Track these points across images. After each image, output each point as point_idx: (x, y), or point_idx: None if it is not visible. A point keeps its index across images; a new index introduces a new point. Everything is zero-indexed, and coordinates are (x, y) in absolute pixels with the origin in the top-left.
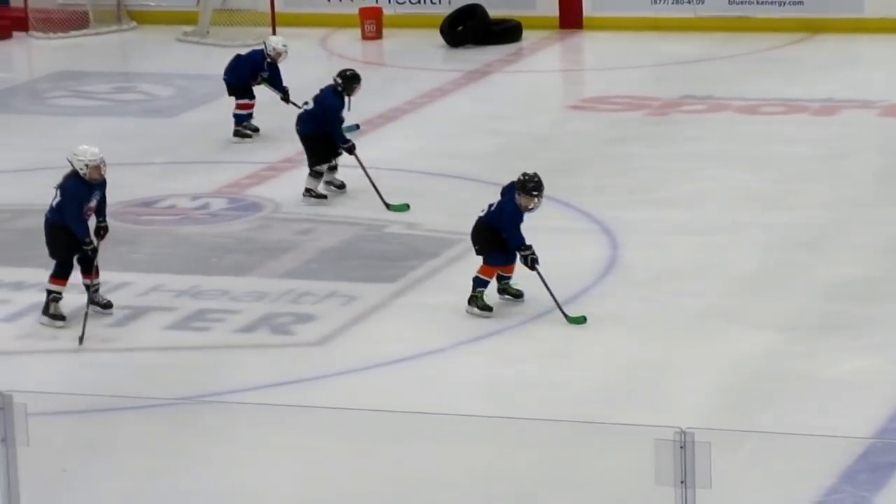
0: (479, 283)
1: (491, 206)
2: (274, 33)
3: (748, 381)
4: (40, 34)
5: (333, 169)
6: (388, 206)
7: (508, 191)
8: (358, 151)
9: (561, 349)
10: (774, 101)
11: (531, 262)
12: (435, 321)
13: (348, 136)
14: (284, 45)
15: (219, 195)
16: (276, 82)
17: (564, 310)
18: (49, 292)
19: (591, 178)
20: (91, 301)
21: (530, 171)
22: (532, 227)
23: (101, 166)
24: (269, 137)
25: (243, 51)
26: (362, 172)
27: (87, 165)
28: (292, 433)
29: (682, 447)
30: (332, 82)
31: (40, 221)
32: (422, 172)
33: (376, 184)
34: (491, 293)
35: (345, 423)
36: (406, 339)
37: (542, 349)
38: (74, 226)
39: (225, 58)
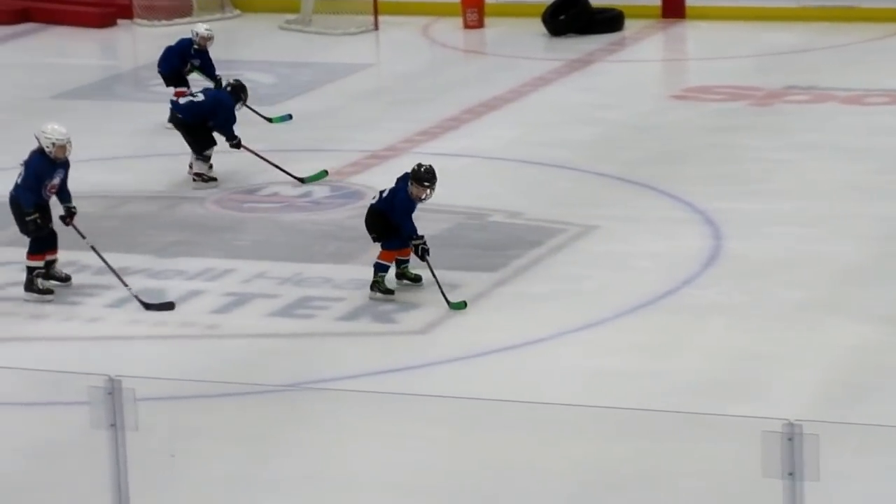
0: (379, 269)
1: (382, 192)
2: (376, 22)
3: (852, 373)
4: (144, 22)
5: (208, 158)
6: (302, 180)
7: (402, 179)
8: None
9: (662, 339)
10: (879, 91)
11: (422, 252)
12: (536, 310)
13: (281, 124)
14: (209, 30)
15: (321, 183)
16: (208, 70)
17: (448, 296)
18: (29, 269)
19: (694, 168)
20: (48, 275)
21: (426, 163)
22: (635, 218)
23: (67, 146)
24: (367, 125)
25: (345, 40)
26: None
27: (53, 144)
28: (393, 421)
29: (790, 439)
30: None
31: (146, 208)
32: (523, 161)
33: (281, 166)
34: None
35: (445, 412)
36: (507, 328)
37: (643, 340)
38: (22, 195)
39: (327, 46)
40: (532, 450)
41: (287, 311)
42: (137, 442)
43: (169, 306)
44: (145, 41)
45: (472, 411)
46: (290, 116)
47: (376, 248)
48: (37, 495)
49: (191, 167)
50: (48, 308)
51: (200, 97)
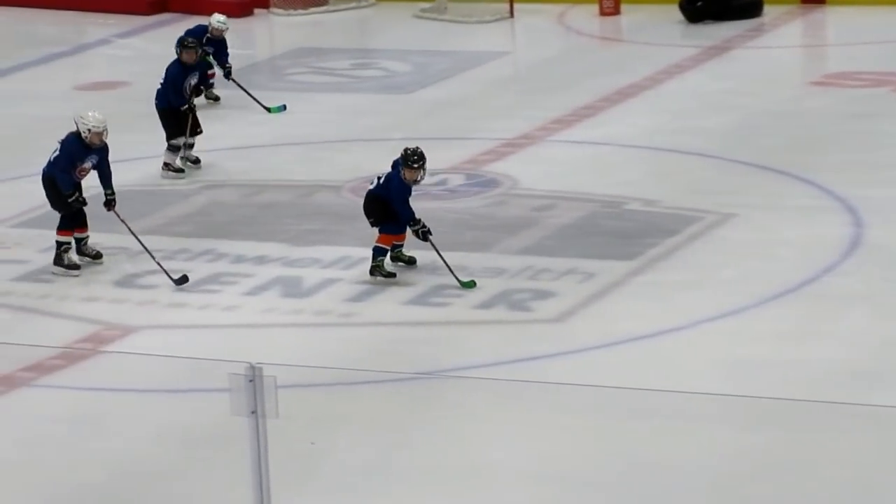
0: (378, 253)
1: (379, 178)
2: (511, 10)
3: None
4: (281, 11)
5: (191, 146)
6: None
7: (396, 165)
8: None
9: (803, 328)
10: None
11: (423, 235)
12: (674, 299)
13: (275, 115)
14: (222, 23)
15: (457, 171)
16: (220, 58)
17: (457, 275)
18: (59, 244)
19: (834, 155)
20: (80, 252)
21: (412, 146)
22: (773, 206)
23: (103, 133)
24: (503, 113)
25: (480, 28)
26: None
27: (89, 130)
28: (529, 410)
29: None
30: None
31: (282, 196)
32: (660, 149)
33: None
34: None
35: (582, 401)
36: (644, 316)
37: (783, 328)
38: (59, 176)
39: (463, 34)
40: (669, 439)
41: (422, 300)
42: (278, 429)
43: (184, 279)
44: (281, 30)
45: (609, 400)
46: (284, 107)
47: (507, 238)
48: (178, 482)
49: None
50: (186, 296)
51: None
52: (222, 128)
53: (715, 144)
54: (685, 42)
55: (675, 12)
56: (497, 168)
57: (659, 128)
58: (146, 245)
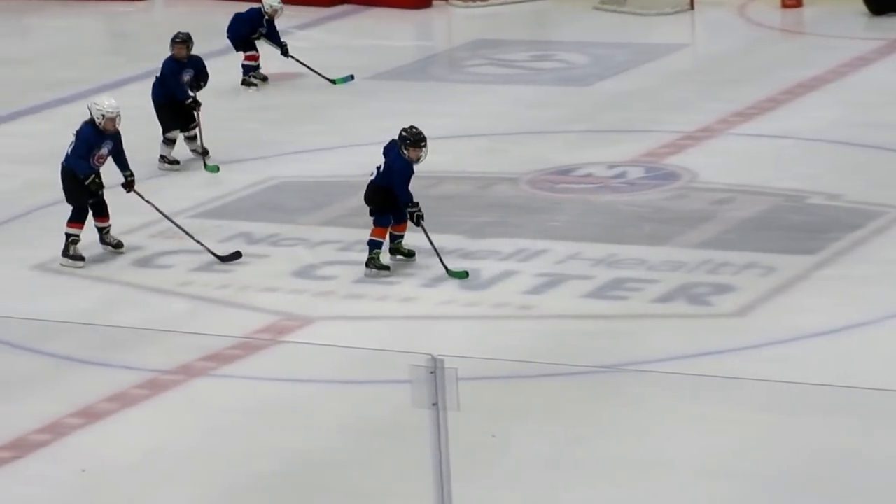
0: (373, 246)
1: (379, 167)
2: (692, 2)
3: None
4: (460, 3)
5: (192, 139)
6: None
7: (391, 149)
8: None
9: None
10: None
11: (417, 219)
12: (858, 294)
13: (342, 85)
14: (280, 4)
15: (636, 164)
16: (274, 38)
17: (446, 264)
18: (68, 236)
19: None
20: (103, 241)
21: (407, 126)
22: None
23: (116, 119)
24: (683, 106)
25: (660, 20)
26: None
27: (103, 116)
28: (708, 404)
29: None
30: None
31: (460, 188)
32: (843, 143)
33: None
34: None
35: (763, 396)
36: (828, 311)
37: None
38: (75, 162)
39: (642, 26)
40: (854, 437)
41: (601, 293)
42: (458, 421)
43: (237, 255)
44: (460, 22)
45: (791, 395)
46: (352, 77)
47: (687, 232)
48: (358, 472)
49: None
50: (364, 287)
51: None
52: (401, 120)
53: None
54: (868, 34)
55: (858, 4)
56: (676, 161)
57: (841, 121)
58: (182, 225)
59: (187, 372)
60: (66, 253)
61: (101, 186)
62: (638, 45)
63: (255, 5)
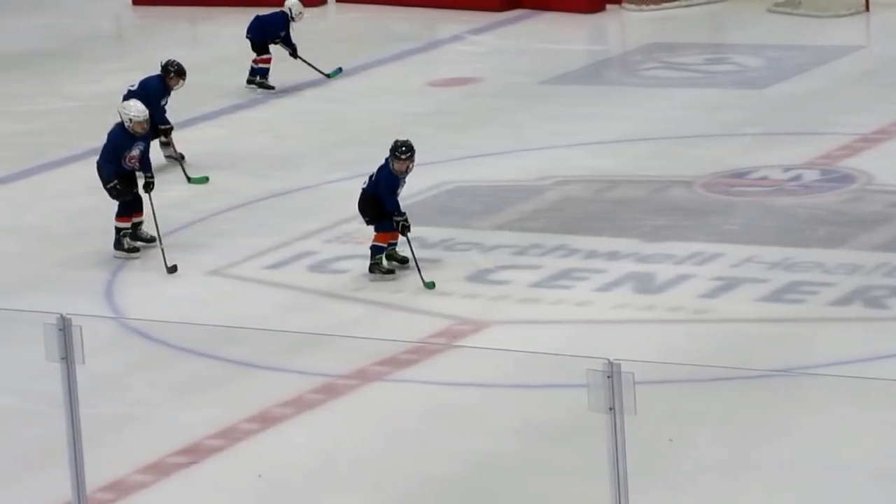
0: (376, 251)
1: (371, 176)
2: (867, 3)
3: None
4: (633, 6)
5: (165, 145)
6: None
7: (388, 159)
8: None
9: None
10: None
11: (402, 229)
12: None
13: (334, 78)
14: (302, 10)
15: (811, 166)
16: (289, 40)
17: (423, 275)
18: (118, 230)
19: None
20: (135, 237)
21: (402, 138)
22: None
23: (145, 123)
24: (858, 108)
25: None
26: None
27: (131, 120)
28: (886, 408)
29: None
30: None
31: (634, 192)
32: None
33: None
34: None
35: None
36: None
37: None
38: (103, 165)
39: (817, 28)
40: None
41: (777, 296)
42: (635, 426)
43: (174, 269)
44: (633, 26)
45: None
46: (340, 69)
47: (863, 234)
48: (534, 476)
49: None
50: (538, 291)
51: (135, 86)
52: (574, 124)
53: None
54: None
55: None
56: (852, 163)
57: None
58: (159, 228)
59: (362, 376)
60: (118, 246)
61: (121, 193)
62: (812, 47)
63: (278, 8)
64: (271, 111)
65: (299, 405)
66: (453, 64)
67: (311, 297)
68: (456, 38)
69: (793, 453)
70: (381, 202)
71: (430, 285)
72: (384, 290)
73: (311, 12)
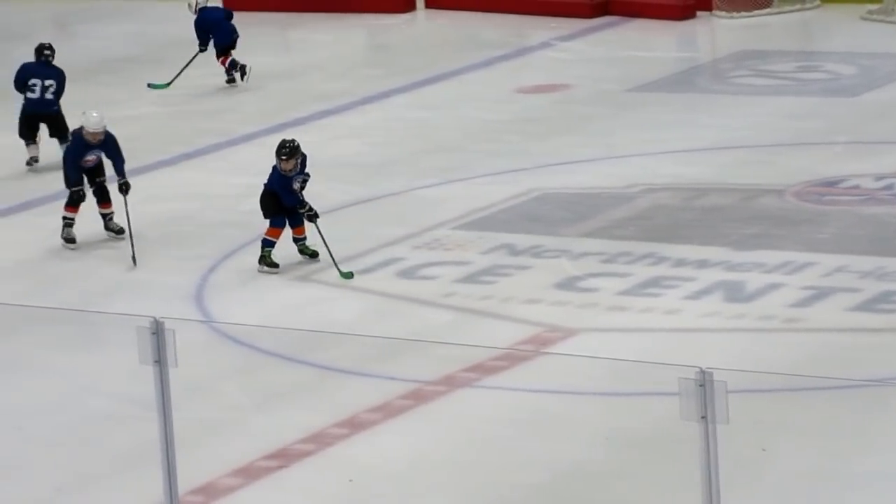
0: (265, 244)
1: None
2: None
3: None
4: (723, 13)
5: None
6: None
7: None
8: None
9: None
10: None
11: (309, 218)
12: None
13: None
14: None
15: None
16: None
17: (339, 265)
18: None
19: None
20: (106, 228)
21: (288, 138)
22: None
23: (98, 133)
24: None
25: None
26: None
27: (83, 128)
28: None
29: None
30: None
31: (724, 200)
32: None
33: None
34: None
35: None
36: None
37: None
38: (66, 169)
39: None
40: None
41: (869, 306)
42: (727, 435)
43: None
44: (724, 33)
45: None
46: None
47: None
48: (624, 484)
49: None
50: (628, 299)
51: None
52: (663, 132)
53: None
54: None
55: None
56: None
57: None
58: (132, 233)
59: (451, 383)
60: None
61: (83, 198)
62: None
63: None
64: (360, 118)
65: (388, 411)
66: (542, 71)
67: (399, 304)
68: (545, 45)
69: (885, 464)
70: (278, 198)
71: (348, 275)
72: (473, 296)
73: (400, 19)
